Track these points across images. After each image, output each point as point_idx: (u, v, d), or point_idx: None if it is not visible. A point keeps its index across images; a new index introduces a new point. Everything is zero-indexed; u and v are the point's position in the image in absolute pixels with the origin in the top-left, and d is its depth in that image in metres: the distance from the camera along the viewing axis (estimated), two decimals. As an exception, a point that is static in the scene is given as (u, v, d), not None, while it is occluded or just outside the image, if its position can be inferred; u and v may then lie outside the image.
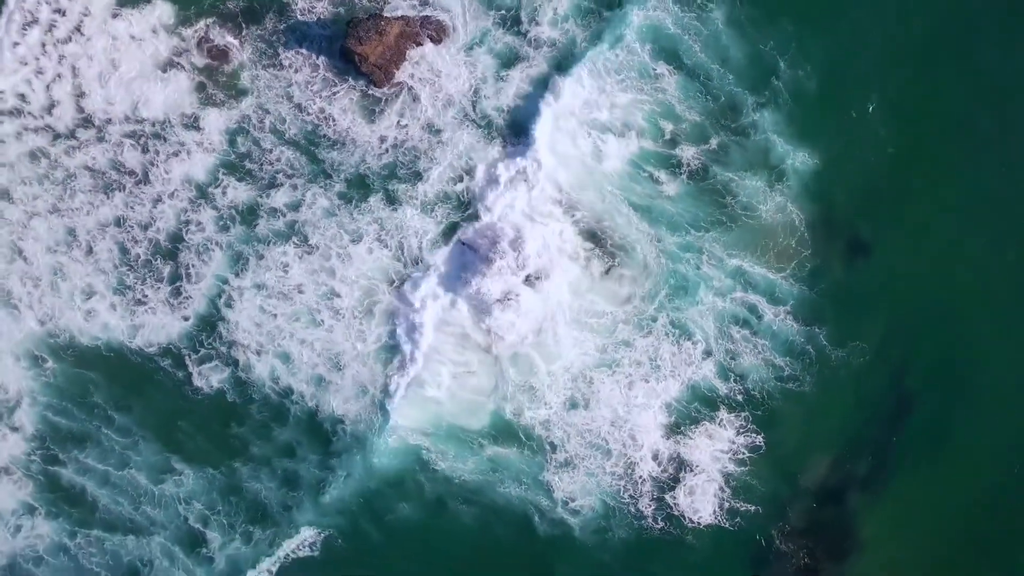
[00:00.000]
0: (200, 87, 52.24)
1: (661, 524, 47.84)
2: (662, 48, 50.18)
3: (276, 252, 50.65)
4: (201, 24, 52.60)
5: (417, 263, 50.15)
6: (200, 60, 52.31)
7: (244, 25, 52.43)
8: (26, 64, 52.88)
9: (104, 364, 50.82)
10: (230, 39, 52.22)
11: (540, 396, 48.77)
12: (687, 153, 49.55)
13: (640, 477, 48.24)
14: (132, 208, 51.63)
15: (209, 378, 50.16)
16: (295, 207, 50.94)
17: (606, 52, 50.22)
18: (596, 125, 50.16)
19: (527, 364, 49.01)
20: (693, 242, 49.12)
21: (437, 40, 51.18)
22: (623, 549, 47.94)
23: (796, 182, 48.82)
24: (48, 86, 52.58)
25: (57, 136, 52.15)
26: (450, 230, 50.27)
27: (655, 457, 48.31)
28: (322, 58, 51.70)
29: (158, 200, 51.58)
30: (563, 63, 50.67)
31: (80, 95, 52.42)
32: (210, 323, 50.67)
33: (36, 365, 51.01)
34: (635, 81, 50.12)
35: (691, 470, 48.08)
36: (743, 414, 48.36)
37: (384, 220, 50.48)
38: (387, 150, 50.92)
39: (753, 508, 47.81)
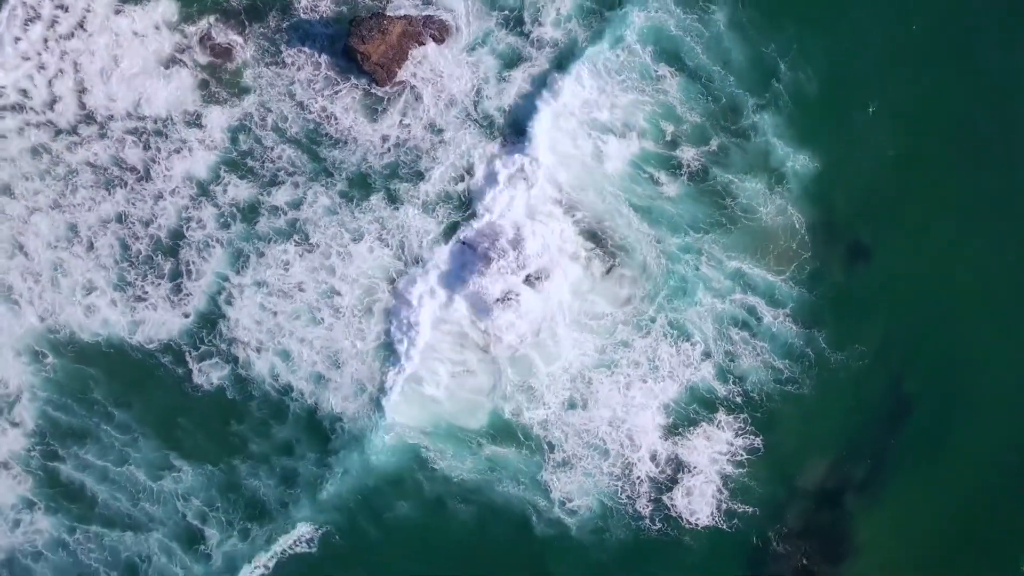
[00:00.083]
0: (203, 84, 52.26)
1: (659, 525, 47.91)
2: (664, 50, 50.16)
3: (277, 250, 50.72)
4: (204, 21, 52.60)
5: (418, 262, 50.23)
6: (203, 58, 52.30)
7: (247, 22, 52.42)
8: (28, 59, 52.81)
9: (104, 360, 50.88)
10: (233, 37, 52.22)
11: (539, 396, 48.85)
12: (687, 154, 49.58)
13: (638, 478, 48.32)
14: (133, 204, 51.66)
15: (209, 375, 50.23)
16: (296, 205, 50.99)
17: (606, 52, 50.24)
18: (597, 125, 50.19)
19: (526, 364, 49.07)
20: (692, 243, 49.17)
21: (440, 40, 51.21)
22: (620, 549, 48.00)
23: (796, 185, 48.86)
24: (50, 82, 52.53)
25: (59, 132, 52.16)
26: (451, 230, 50.31)
27: (653, 458, 48.37)
28: (324, 56, 51.69)
29: (159, 197, 51.61)
30: (563, 62, 50.68)
31: (82, 91, 52.41)
32: (210, 320, 50.73)
33: (36, 360, 51.06)
34: (636, 82, 50.13)
35: (689, 471, 48.14)
36: (742, 416, 48.43)
37: (385, 219, 50.52)
38: (389, 149, 50.93)
39: (751, 510, 47.90)
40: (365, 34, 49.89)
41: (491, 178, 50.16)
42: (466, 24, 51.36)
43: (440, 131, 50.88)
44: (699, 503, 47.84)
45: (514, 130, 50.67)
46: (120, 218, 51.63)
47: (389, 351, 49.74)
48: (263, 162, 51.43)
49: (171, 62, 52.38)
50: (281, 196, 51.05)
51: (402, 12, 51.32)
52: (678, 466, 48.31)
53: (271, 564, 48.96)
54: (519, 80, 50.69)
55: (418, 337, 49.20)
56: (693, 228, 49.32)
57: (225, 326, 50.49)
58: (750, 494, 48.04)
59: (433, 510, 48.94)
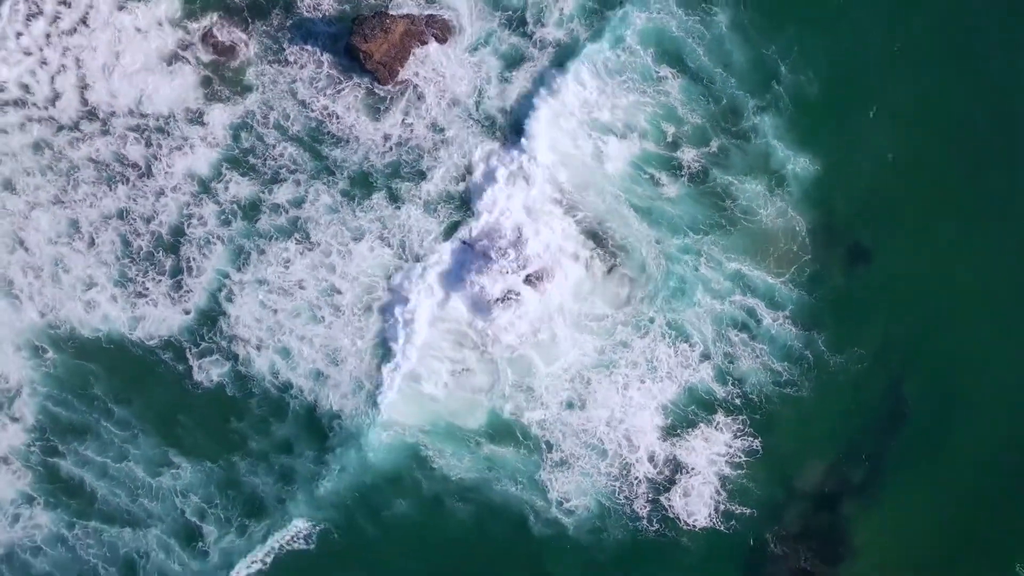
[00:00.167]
0: (206, 81, 52.30)
1: (656, 526, 47.91)
2: (665, 51, 50.14)
3: (278, 248, 50.78)
4: (207, 19, 52.61)
5: (417, 260, 50.27)
6: (206, 55, 52.32)
7: (250, 20, 52.47)
8: (30, 55, 52.87)
9: (105, 356, 51.02)
10: (236, 34, 52.21)
11: (538, 396, 48.84)
12: (688, 156, 49.55)
13: (636, 478, 48.31)
14: (135, 201, 51.73)
15: (209, 372, 50.32)
16: (298, 203, 51.03)
17: (607, 52, 50.23)
18: (597, 126, 50.19)
19: (525, 364, 49.09)
20: (692, 244, 49.13)
21: (442, 39, 51.22)
22: (618, 550, 48.02)
23: (797, 187, 48.85)
24: (52, 78, 52.58)
25: (61, 128, 52.22)
26: (452, 229, 50.35)
27: (651, 459, 48.37)
28: (327, 55, 51.72)
29: (161, 193, 51.68)
30: (563, 61, 50.62)
31: (84, 87, 52.48)
32: (211, 317, 50.83)
33: (37, 356, 51.21)
34: (638, 83, 50.08)
35: (687, 472, 48.13)
36: (740, 418, 48.42)
37: (387, 218, 50.57)
38: (391, 148, 50.98)
39: (749, 511, 47.89)
40: (367, 33, 49.91)
41: (490, 176, 50.18)
42: (469, 24, 51.39)
43: (442, 131, 50.93)
44: (697, 504, 47.82)
45: (515, 130, 50.67)
46: (121, 214, 51.74)
47: (386, 348, 49.80)
48: (265, 160, 51.50)
49: (174, 59, 52.44)
50: (282, 194, 51.10)
51: (404, 11, 51.33)
52: (676, 467, 48.30)
53: (268, 560, 48.98)
54: (521, 81, 50.69)
55: (415, 335, 49.22)
56: (693, 229, 49.31)
57: (225, 323, 50.57)
58: (748, 496, 48.05)
59: (431, 509, 48.97)
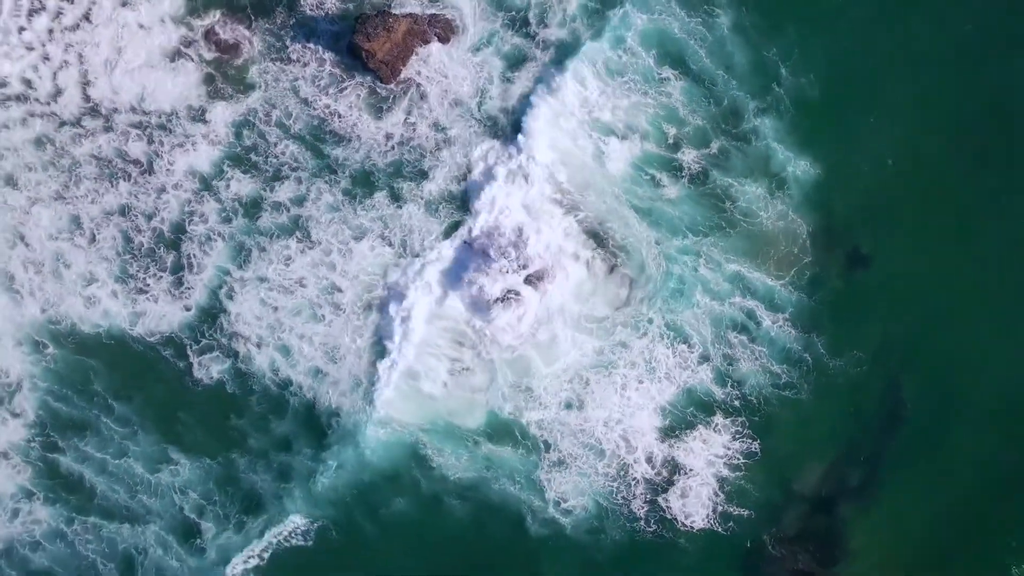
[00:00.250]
0: (208, 79, 52.34)
1: (654, 527, 47.91)
2: (667, 52, 50.15)
3: (279, 245, 50.83)
4: (210, 16, 52.62)
5: (417, 257, 50.29)
6: (209, 53, 52.34)
7: (253, 18, 52.51)
8: (32, 50, 52.89)
9: (105, 352, 51.09)
10: (240, 32, 52.20)
11: (537, 396, 48.84)
12: (688, 157, 49.56)
13: (634, 479, 48.31)
14: (136, 197, 51.77)
15: (209, 369, 50.38)
16: (299, 202, 51.09)
17: (607, 51, 50.27)
18: (598, 126, 50.20)
19: (525, 364, 49.08)
20: (691, 246, 49.12)
21: (445, 39, 51.25)
22: (615, 550, 48.01)
23: (797, 190, 48.86)
24: (55, 73, 52.62)
25: (63, 123, 52.27)
26: (453, 229, 50.36)
27: (649, 460, 48.37)
28: (329, 53, 51.78)
29: (162, 190, 51.72)
30: (563, 60, 50.61)
31: (86, 83, 52.51)
32: (211, 314, 50.89)
33: (37, 351, 51.26)
34: (639, 84, 50.09)
35: (685, 474, 48.13)
36: (739, 419, 48.40)
37: (388, 218, 50.62)
38: (393, 147, 51.02)
39: (746, 513, 47.88)
40: (370, 32, 49.96)
41: (488, 175, 50.20)
42: (471, 24, 51.44)
43: (444, 130, 50.97)
44: (695, 505, 47.81)
45: (516, 130, 50.64)
46: (123, 210, 51.80)
47: (383, 344, 49.85)
48: (267, 157, 51.56)
49: (177, 56, 52.47)
50: (284, 192, 51.15)
51: (407, 10, 51.34)
52: (674, 468, 48.30)
53: (265, 556, 49.00)
54: (524, 81, 50.74)
55: (412, 332, 49.22)
56: (692, 231, 49.33)
57: (226, 320, 50.63)
58: (746, 497, 48.05)
59: (429, 507, 48.98)
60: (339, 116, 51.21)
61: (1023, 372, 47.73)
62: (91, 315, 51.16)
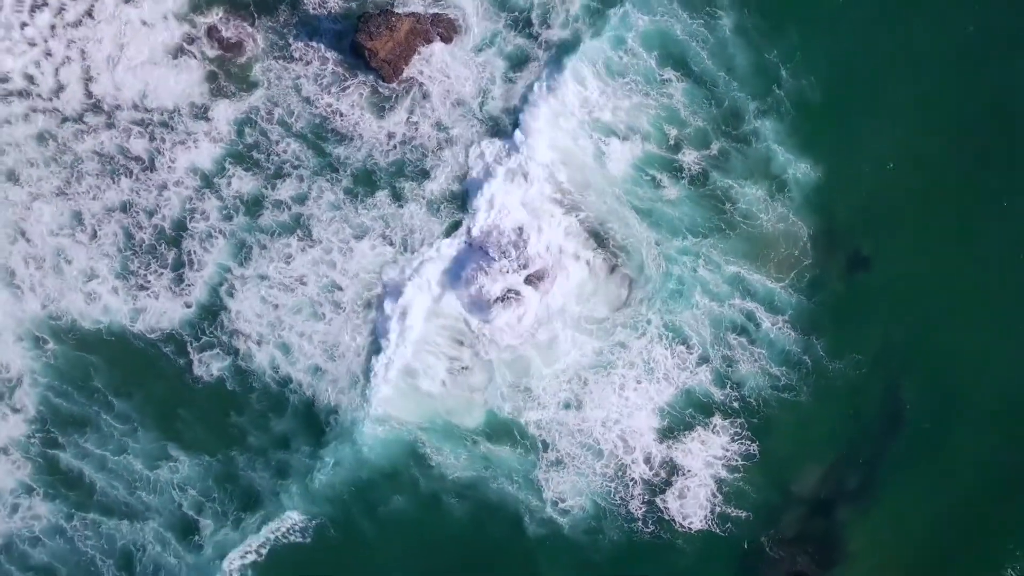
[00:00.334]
0: (211, 77, 52.34)
1: (652, 527, 47.94)
2: (670, 54, 50.13)
3: (280, 244, 50.86)
4: (213, 13, 52.61)
5: (413, 253, 50.33)
6: (212, 51, 52.35)
7: (256, 16, 52.52)
8: (35, 45, 52.87)
9: (105, 348, 51.14)
10: (244, 30, 52.19)
11: (536, 396, 48.86)
12: (688, 158, 49.53)
13: (631, 479, 48.32)
14: (138, 194, 51.80)
15: (209, 366, 50.44)
16: (301, 200, 51.12)
17: (608, 51, 50.27)
18: (599, 127, 50.18)
19: (524, 364, 49.13)
20: (691, 247, 49.11)
21: (448, 39, 51.26)
22: (613, 551, 48.04)
23: (798, 192, 48.87)
24: (57, 69, 52.63)
25: (65, 119, 52.29)
26: (454, 229, 50.38)
27: (647, 460, 48.39)
28: (332, 52, 51.77)
29: (164, 187, 51.75)
30: (563, 59, 50.63)
31: (88, 80, 52.50)
32: (212, 311, 50.94)
33: (37, 346, 51.30)
34: (641, 85, 50.07)
35: (683, 475, 48.17)
36: (738, 421, 48.42)
37: (389, 217, 50.66)
38: (395, 147, 51.04)
39: (745, 514, 47.90)
40: (373, 30, 49.96)
41: (487, 173, 50.23)
42: (474, 24, 51.40)
43: (446, 130, 51.02)
44: (692, 506, 47.84)
45: (516, 129, 50.72)
46: (124, 207, 51.83)
47: (379, 341, 49.90)
48: (268, 155, 51.58)
49: (179, 53, 52.46)
50: (285, 190, 51.18)
51: (410, 10, 51.32)
52: (672, 469, 48.32)
53: (263, 552, 49.03)
54: (526, 82, 50.74)
55: (409, 329, 49.23)
56: (692, 232, 49.32)
57: (226, 318, 50.68)
58: (744, 499, 48.08)
59: (427, 505, 49.02)
60: (341, 115, 51.24)
61: (1023, 374, 47.82)
62: (92, 311, 51.21)
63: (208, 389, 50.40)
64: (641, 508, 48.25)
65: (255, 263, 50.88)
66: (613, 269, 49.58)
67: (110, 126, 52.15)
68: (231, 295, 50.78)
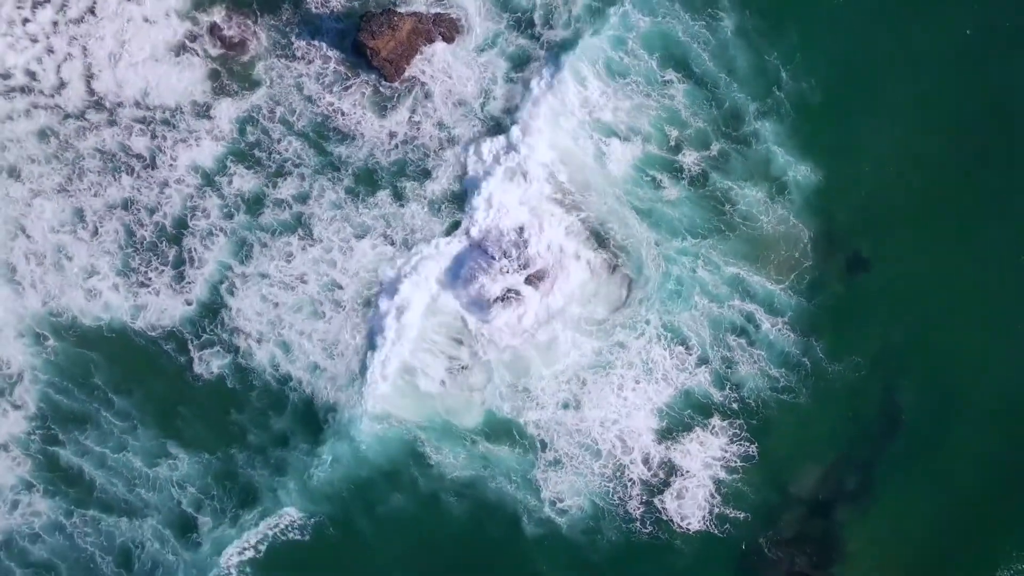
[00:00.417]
0: (214, 75, 52.39)
1: (650, 528, 47.90)
2: (671, 55, 50.21)
3: (280, 242, 50.90)
4: (215, 11, 52.62)
5: (410, 249, 50.34)
6: (214, 49, 52.38)
7: (259, 14, 52.58)
8: (37, 42, 52.89)
9: (106, 345, 51.14)
10: (247, 28, 52.19)
11: (535, 396, 48.84)
12: (689, 159, 49.59)
13: (630, 480, 48.28)
14: (139, 191, 51.82)
15: (210, 364, 50.45)
16: (302, 199, 51.16)
17: (608, 52, 50.32)
18: (600, 127, 50.24)
19: (523, 364, 49.12)
20: (690, 248, 49.13)
21: (450, 39, 51.31)
22: (611, 551, 48.01)
23: (798, 195, 48.89)
24: (59, 66, 52.66)
25: (67, 116, 52.30)
26: (455, 228, 50.43)
27: (645, 460, 48.36)
28: (334, 51, 51.82)
29: (165, 185, 51.78)
30: (562, 57, 50.76)
31: (90, 76, 52.53)
32: (212, 309, 50.96)
33: (38, 343, 51.31)
34: (642, 86, 50.14)
35: (682, 475, 48.14)
36: (737, 422, 48.41)
37: (390, 216, 50.70)
38: (396, 146, 51.08)
39: (743, 515, 47.86)
40: (375, 30, 50.01)
41: (486, 172, 50.25)
42: (477, 24, 51.47)
43: (448, 130, 51.06)
44: (691, 507, 47.81)
45: (514, 127, 50.77)
46: (126, 204, 51.86)
47: (375, 338, 49.93)
48: (270, 154, 51.63)
49: (182, 51, 52.51)
50: (287, 189, 51.23)
51: (412, 9, 51.40)
52: (671, 470, 48.30)
53: (261, 547, 49.02)
54: (527, 82, 50.77)
55: (406, 327, 49.20)
56: (692, 233, 49.35)
57: (227, 315, 50.69)
58: (743, 500, 48.05)
59: (426, 504, 49.01)
60: (343, 114, 51.28)
61: (1023, 374, 47.90)
62: (92, 308, 51.22)
63: (208, 387, 50.42)
64: (639, 508, 48.22)
65: (256, 261, 50.91)
66: (613, 269, 49.59)
67: (112, 123, 52.21)
68: (232, 293, 50.81)
